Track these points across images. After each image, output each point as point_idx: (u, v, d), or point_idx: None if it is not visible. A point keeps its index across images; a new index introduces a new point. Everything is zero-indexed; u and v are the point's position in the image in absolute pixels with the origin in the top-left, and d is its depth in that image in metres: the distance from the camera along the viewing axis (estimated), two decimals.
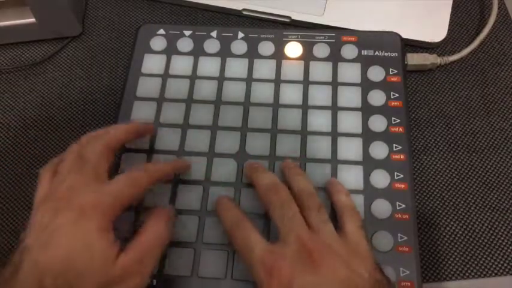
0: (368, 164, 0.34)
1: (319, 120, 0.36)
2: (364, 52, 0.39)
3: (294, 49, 0.39)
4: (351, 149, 0.35)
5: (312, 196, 0.30)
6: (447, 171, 0.37)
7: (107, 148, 0.30)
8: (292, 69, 0.38)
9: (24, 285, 0.24)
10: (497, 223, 0.35)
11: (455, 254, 0.35)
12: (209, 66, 0.39)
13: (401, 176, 0.34)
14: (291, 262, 0.26)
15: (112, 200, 0.27)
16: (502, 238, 0.35)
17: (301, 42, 0.39)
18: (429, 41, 0.41)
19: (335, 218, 0.31)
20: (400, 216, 0.33)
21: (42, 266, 0.24)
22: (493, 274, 0.34)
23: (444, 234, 0.35)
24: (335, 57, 0.39)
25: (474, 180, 0.37)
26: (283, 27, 0.44)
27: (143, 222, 0.29)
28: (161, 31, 0.41)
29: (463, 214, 0.36)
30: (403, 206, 0.33)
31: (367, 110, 0.36)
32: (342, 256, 0.27)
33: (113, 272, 0.25)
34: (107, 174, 0.30)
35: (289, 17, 0.43)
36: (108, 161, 0.30)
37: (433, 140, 0.39)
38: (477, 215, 0.36)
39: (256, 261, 0.27)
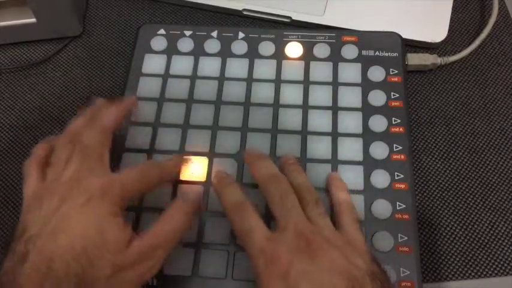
0: (368, 164, 0.34)
1: (320, 120, 0.36)
2: (365, 52, 0.39)
3: (294, 49, 0.39)
4: (351, 149, 0.35)
5: (310, 190, 0.30)
6: (447, 171, 0.37)
7: (105, 132, 0.30)
8: (293, 69, 0.38)
9: (33, 273, 0.24)
10: (497, 223, 0.36)
11: (455, 254, 0.35)
12: (209, 66, 0.39)
13: (402, 176, 0.34)
14: (289, 250, 0.26)
15: (120, 190, 0.27)
16: (502, 238, 0.35)
17: (302, 42, 0.39)
18: (429, 41, 0.41)
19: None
20: (400, 216, 0.33)
21: (51, 253, 0.24)
22: (493, 274, 0.34)
23: (444, 234, 0.35)
24: (335, 58, 0.39)
25: (474, 180, 0.37)
26: (284, 27, 0.44)
27: (164, 211, 0.29)
28: (161, 31, 0.41)
29: (463, 214, 0.36)
30: (403, 206, 0.33)
31: (367, 110, 0.36)
32: (339, 248, 0.27)
33: (126, 256, 0.26)
34: (109, 159, 0.30)
35: (289, 17, 0.43)
36: (107, 145, 0.30)
37: (433, 140, 0.39)
38: (477, 215, 0.36)
39: (256, 249, 0.27)
